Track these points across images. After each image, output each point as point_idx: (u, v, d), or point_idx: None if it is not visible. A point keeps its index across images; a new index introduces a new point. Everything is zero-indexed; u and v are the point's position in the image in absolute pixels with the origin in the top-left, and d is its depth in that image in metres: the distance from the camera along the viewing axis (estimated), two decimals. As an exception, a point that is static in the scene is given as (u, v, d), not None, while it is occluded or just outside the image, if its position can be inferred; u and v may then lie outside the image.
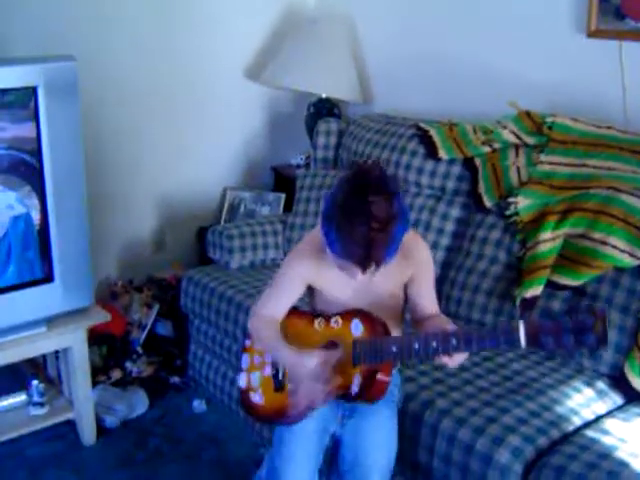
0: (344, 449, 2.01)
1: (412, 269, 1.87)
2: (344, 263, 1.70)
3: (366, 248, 1.62)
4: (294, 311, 1.98)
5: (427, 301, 1.95)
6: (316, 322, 1.92)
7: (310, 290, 1.96)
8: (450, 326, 1.80)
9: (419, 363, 1.96)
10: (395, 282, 1.90)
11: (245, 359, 2.07)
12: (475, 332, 1.72)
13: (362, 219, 1.61)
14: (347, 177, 1.69)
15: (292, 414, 1.93)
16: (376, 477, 1.99)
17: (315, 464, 1.99)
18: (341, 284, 1.85)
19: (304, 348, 1.89)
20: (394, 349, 1.79)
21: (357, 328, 1.86)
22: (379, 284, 1.86)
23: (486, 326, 1.68)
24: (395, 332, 1.95)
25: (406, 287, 1.93)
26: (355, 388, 1.86)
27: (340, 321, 1.88)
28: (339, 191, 1.68)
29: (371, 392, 1.87)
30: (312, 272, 1.88)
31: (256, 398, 2.02)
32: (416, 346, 1.75)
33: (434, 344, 1.72)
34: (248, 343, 2.08)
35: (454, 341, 1.71)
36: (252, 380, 2.03)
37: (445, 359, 1.75)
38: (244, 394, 2.06)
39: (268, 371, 2.01)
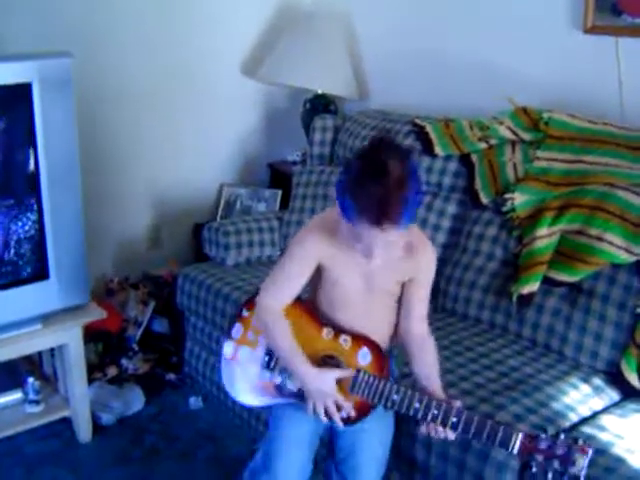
0: (340, 438, 2.01)
1: (415, 269, 1.85)
2: (359, 228, 1.66)
3: (380, 205, 1.60)
4: (303, 305, 1.92)
5: (419, 306, 1.91)
6: (325, 330, 1.88)
7: (315, 276, 1.89)
8: (451, 401, 1.81)
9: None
10: (397, 277, 1.87)
11: (238, 329, 1.99)
12: (476, 422, 1.73)
13: (376, 177, 1.60)
14: (361, 147, 1.69)
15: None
16: (372, 468, 2.00)
17: (309, 451, 1.98)
18: (350, 269, 1.83)
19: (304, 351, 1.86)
20: (395, 397, 1.80)
21: (365, 358, 1.84)
22: (383, 277, 1.85)
23: (488, 421, 1.71)
24: (387, 331, 1.93)
25: (403, 286, 1.91)
26: (344, 414, 1.86)
27: (349, 342, 1.86)
28: (354, 158, 1.68)
29: (357, 419, 1.88)
30: (325, 250, 1.82)
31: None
32: (417, 405, 1.77)
33: (435, 412, 1.75)
34: (246, 314, 1.99)
35: (454, 419, 1.74)
36: (239, 353, 1.97)
37: (435, 429, 1.78)
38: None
39: (259, 353, 1.95)
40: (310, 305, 1.93)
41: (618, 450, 1.93)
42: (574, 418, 2.11)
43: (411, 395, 1.79)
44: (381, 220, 1.61)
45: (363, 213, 1.63)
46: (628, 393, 2.28)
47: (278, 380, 1.93)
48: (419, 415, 1.78)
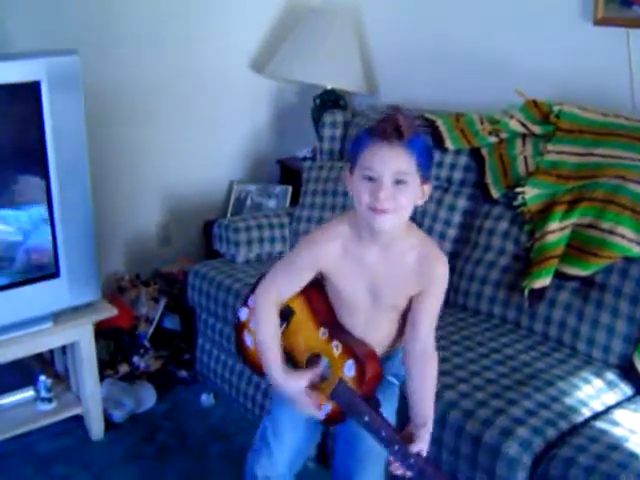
0: (343, 427, 1.98)
1: (426, 281, 1.80)
2: (368, 157, 1.67)
3: (391, 121, 1.66)
4: (311, 297, 1.90)
5: (426, 321, 1.83)
6: (321, 330, 1.87)
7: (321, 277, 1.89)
8: (421, 441, 1.76)
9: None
10: (408, 291, 1.82)
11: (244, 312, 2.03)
12: (430, 473, 1.71)
13: (389, 118, 1.68)
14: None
15: None
16: (374, 457, 1.96)
17: (305, 433, 1.99)
18: (357, 282, 1.81)
19: (295, 344, 1.88)
20: (365, 418, 1.78)
21: (349, 370, 1.82)
22: (390, 293, 1.81)
23: (443, 475, 1.73)
24: (386, 342, 1.90)
25: (411, 300, 1.85)
26: (322, 416, 1.87)
27: (340, 350, 1.84)
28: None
29: (333, 423, 1.90)
30: (332, 259, 1.80)
31: (249, 341, 1.99)
32: (382, 434, 1.75)
33: (396, 447, 1.73)
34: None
35: (411, 461, 1.71)
36: (252, 323, 1.97)
37: (394, 464, 1.76)
38: (240, 327, 2.02)
39: None
40: (318, 299, 1.90)
41: (631, 445, 1.91)
42: (587, 413, 2.09)
43: (379, 423, 1.77)
44: (389, 132, 1.65)
45: (374, 131, 1.68)
46: (641, 387, 2.27)
47: None
48: (382, 445, 1.76)
